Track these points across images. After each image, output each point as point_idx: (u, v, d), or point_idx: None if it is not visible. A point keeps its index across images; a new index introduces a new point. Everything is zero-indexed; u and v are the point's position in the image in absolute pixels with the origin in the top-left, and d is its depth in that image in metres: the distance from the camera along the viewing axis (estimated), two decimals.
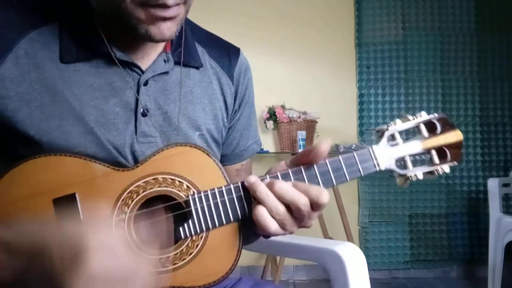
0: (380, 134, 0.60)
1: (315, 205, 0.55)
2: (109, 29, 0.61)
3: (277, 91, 2.84)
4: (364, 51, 2.93)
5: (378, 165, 0.59)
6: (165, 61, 0.66)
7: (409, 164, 0.60)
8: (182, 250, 0.57)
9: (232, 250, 0.58)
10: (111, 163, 0.58)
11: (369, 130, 2.91)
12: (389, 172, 0.60)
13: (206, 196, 0.58)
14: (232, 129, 0.78)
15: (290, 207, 0.55)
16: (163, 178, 0.58)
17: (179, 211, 0.58)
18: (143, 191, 0.57)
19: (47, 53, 0.59)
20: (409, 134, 0.61)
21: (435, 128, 0.60)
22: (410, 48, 2.92)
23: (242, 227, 0.59)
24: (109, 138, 0.61)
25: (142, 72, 0.64)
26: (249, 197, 0.57)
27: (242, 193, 0.58)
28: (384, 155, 0.59)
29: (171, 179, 0.58)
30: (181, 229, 0.57)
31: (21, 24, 0.59)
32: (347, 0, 2.95)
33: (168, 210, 0.58)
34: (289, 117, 2.65)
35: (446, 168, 0.60)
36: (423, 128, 0.60)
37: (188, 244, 0.57)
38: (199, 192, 0.58)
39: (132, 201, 0.57)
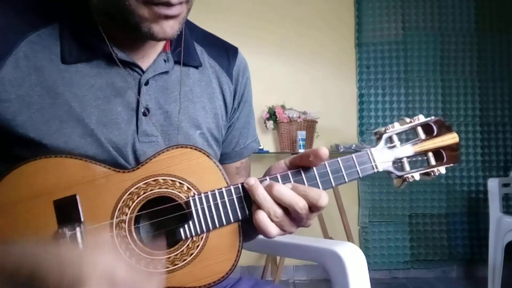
0: (378, 136, 0.61)
1: (314, 208, 0.55)
2: (109, 29, 0.62)
3: (277, 91, 2.84)
4: (364, 51, 2.93)
5: (376, 167, 0.60)
6: (165, 60, 0.67)
7: (406, 165, 0.61)
8: (182, 251, 0.58)
9: (232, 251, 0.59)
10: (111, 165, 0.59)
11: (369, 130, 2.91)
12: (387, 173, 0.61)
13: (207, 197, 0.58)
14: (231, 128, 0.79)
15: (288, 210, 0.55)
16: (163, 179, 0.58)
17: (179, 212, 0.58)
18: (144, 193, 0.57)
19: (47, 55, 0.59)
20: (407, 136, 0.62)
21: (432, 130, 0.61)
22: (410, 48, 2.92)
23: (242, 224, 0.59)
24: (111, 138, 0.61)
25: (143, 72, 0.65)
26: (249, 198, 0.58)
27: (242, 194, 0.58)
28: (382, 157, 0.60)
29: (172, 180, 0.58)
30: (181, 230, 0.57)
31: (21, 27, 0.59)
32: (347, 0, 2.95)
33: (169, 211, 0.58)
34: (289, 117, 2.65)
35: (442, 169, 0.61)
36: (420, 130, 0.61)
37: (188, 245, 0.58)
38: (199, 194, 0.58)
39: (132, 203, 0.57)
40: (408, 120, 0.61)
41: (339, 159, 0.59)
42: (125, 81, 0.63)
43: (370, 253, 2.86)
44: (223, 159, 0.80)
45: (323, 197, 0.55)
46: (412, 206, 2.89)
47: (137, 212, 0.57)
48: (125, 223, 0.56)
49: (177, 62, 0.69)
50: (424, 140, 0.61)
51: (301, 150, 2.56)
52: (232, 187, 0.58)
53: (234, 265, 0.58)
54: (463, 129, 2.91)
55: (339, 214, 2.52)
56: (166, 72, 0.67)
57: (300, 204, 0.54)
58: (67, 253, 0.46)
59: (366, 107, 2.93)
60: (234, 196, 0.58)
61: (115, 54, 0.62)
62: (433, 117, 0.62)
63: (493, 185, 2.34)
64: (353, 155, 0.59)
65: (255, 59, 2.70)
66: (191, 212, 0.58)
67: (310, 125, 2.68)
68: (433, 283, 2.78)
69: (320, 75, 2.92)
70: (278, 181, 0.58)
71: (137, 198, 0.57)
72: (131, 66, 0.64)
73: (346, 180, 0.59)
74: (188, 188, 0.58)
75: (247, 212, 0.58)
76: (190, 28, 0.74)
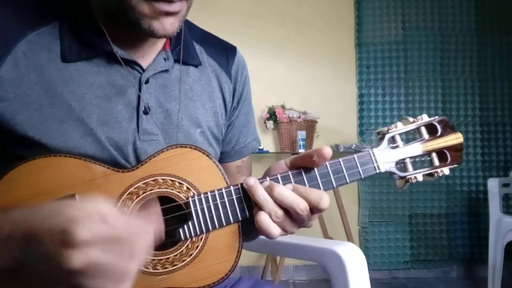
0: (381, 136, 0.60)
1: (315, 209, 0.55)
2: (109, 27, 0.61)
3: (277, 91, 2.84)
4: (364, 51, 2.93)
5: (378, 167, 0.59)
6: (165, 59, 0.67)
7: (409, 166, 0.60)
8: (182, 251, 0.57)
9: (232, 252, 0.58)
10: (111, 164, 0.58)
11: (369, 130, 2.91)
12: (389, 174, 0.60)
13: (206, 198, 0.58)
14: (231, 127, 0.79)
15: (289, 211, 0.55)
16: (163, 179, 0.58)
17: (179, 213, 0.58)
18: (143, 192, 0.57)
19: (47, 54, 0.59)
20: (410, 136, 0.61)
21: (435, 130, 0.60)
22: (410, 48, 2.92)
23: (244, 223, 0.59)
24: (112, 136, 0.61)
25: (143, 70, 0.65)
26: (249, 199, 0.57)
27: (242, 194, 0.58)
28: (385, 157, 0.59)
29: (171, 180, 0.58)
30: (181, 230, 0.57)
31: (20, 26, 0.59)
32: (347, 0, 2.95)
33: (168, 211, 0.58)
34: (289, 117, 2.65)
35: (446, 170, 0.60)
36: (423, 130, 0.60)
37: (188, 245, 0.57)
38: (199, 194, 0.58)
39: (132, 202, 0.57)
40: (411, 119, 0.60)
41: (340, 159, 0.59)
42: (125, 80, 0.63)
43: (370, 253, 2.86)
44: (224, 158, 0.80)
45: (324, 199, 0.54)
46: (412, 206, 2.89)
47: (136, 212, 0.57)
48: None
49: (176, 61, 0.69)
50: (428, 140, 0.60)
51: (301, 150, 2.56)
52: (232, 188, 0.58)
53: (233, 266, 0.58)
54: (463, 129, 2.90)
55: (339, 214, 2.51)
56: (166, 71, 0.67)
57: (301, 206, 0.54)
58: (52, 207, 0.45)
59: (366, 107, 2.92)
60: (234, 197, 0.58)
61: (115, 52, 0.61)
62: (437, 117, 0.61)
63: (493, 185, 2.34)
64: (355, 156, 0.59)
65: (255, 59, 2.72)
66: (190, 213, 0.57)
67: (310, 125, 2.68)
68: (433, 283, 2.78)
69: (320, 75, 2.92)
70: (279, 182, 0.57)
71: (136, 198, 0.57)
72: (132, 64, 0.64)
73: (348, 181, 0.58)
74: (188, 188, 0.58)
75: (247, 213, 0.58)
76: (189, 27, 0.74)
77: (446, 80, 2.93)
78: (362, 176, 0.59)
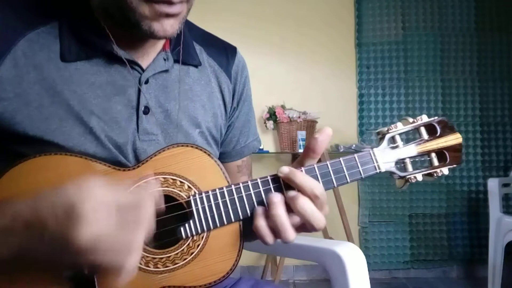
0: (381, 136, 0.60)
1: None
2: (109, 28, 0.62)
3: (277, 91, 2.84)
4: (364, 51, 2.93)
5: (379, 167, 0.59)
6: (164, 59, 0.67)
7: (409, 166, 0.60)
8: (183, 250, 0.57)
9: (233, 250, 0.58)
10: (111, 163, 0.59)
11: (369, 130, 2.91)
12: (389, 174, 0.60)
13: (207, 197, 0.58)
14: (231, 127, 0.79)
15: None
16: (164, 178, 0.58)
17: (180, 212, 0.58)
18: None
19: (46, 53, 0.59)
20: (409, 136, 0.62)
21: (435, 130, 0.60)
22: (410, 48, 2.92)
23: (246, 223, 0.59)
24: (112, 136, 0.61)
25: (143, 70, 0.65)
26: (250, 197, 0.57)
27: (243, 193, 0.58)
28: (385, 157, 0.59)
29: (172, 179, 0.58)
30: (182, 229, 0.57)
31: (19, 25, 0.59)
32: (347, 0, 2.95)
33: (169, 210, 0.58)
34: (289, 117, 2.65)
35: (445, 170, 0.60)
36: (423, 130, 0.61)
37: (189, 244, 0.58)
38: (200, 193, 0.58)
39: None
40: (411, 120, 0.60)
41: (341, 159, 0.59)
42: (125, 79, 0.63)
43: (370, 253, 2.86)
44: (224, 158, 0.80)
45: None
46: (412, 206, 2.89)
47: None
48: None
49: (176, 61, 0.69)
50: (427, 140, 0.60)
51: (301, 150, 2.56)
52: (233, 187, 0.58)
53: (234, 264, 0.58)
54: (463, 129, 2.90)
55: (339, 214, 2.51)
56: (166, 71, 0.67)
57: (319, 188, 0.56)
58: (57, 193, 0.46)
59: (366, 107, 2.93)
60: (235, 196, 0.58)
61: (115, 52, 0.61)
62: (436, 117, 0.61)
63: (493, 185, 2.34)
64: (356, 155, 0.59)
65: (255, 59, 2.71)
66: (191, 211, 0.57)
67: (310, 125, 2.68)
68: (433, 283, 2.78)
69: (320, 75, 2.92)
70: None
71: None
72: (131, 64, 0.64)
73: (348, 180, 0.59)
74: (189, 187, 0.58)
75: (248, 211, 0.58)
76: (189, 27, 0.74)
77: (446, 80, 2.93)
78: (363, 176, 0.59)
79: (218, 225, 0.58)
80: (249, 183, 0.58)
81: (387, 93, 2.92)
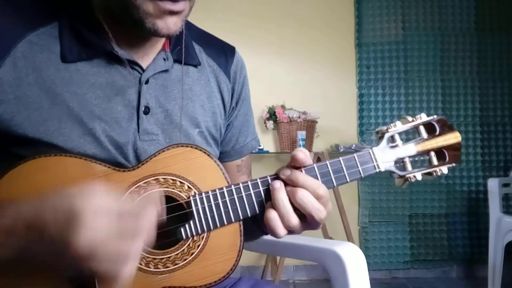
0: (380, 135, 0.60)
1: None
2: (110, 28, 0.62)
3: (277, 91, 2.84)
4: (364, 51, 2.93)
5: (378, 166, 0.59)
6: (164, 59, 0.67)
7: (408, 165, 0.60)
8: (183, 250, 0.58)
9: (233, 251, 0.59)
10: (111, 164, 0.59)
11: (369, 130, 2.91)
12: (389, 173, 0.60)
13: (207, 197, 0.58)
14: (230, 126, 0.79)
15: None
16: (164, 178, 0.58)
17: (180, 212, 0.58)
18: (144, 192, 0.57)
19: (46, 54, 0.59)
20: (409, 135, 0.62)
21: (434, 130, 0.61)
22: (410, 48, 2.92)
23: (245, 223, 0.59)
24: (112, 136, 0.61)
25: (143, 70, 0.65)
26: (250, 197, 0.58)
27: (243, 193, 0.58)
28: (384, 156, 0.60)
29: (172, 179, 0.58)
30: (182, 229, 0.57)
31: (19, 27, 0.59)
32: (347, 0, 2.95)
33: (169, 210, 0.58)
34: (289, 117, 2.65)
35: (444, 169, 0.60)
36: (422, 129, 0.61)
37: (189, 244, 0.58)
38: (200, 193, 0.58)
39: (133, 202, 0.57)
40: (410, 119, 0.60)
41: (341, 158, 0.59)
42: (125, 80, 0.64)
43: (370, 253, 2.86)
44: (223, 157, 0.81)
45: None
46: (412, 206, 2.89)
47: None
48: None
49: (176, 61, 0.69)
50: (426, 139, 0.60)
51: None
52: (233, 187, 0.58)
53: (235, 265, 0.58)
54: (463, 129, 2.91)
55: (339, 214, 2.52)
56: (166, 71, 0.68)
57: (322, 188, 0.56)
58: (59, 196, 0.46)
59: (366, 107, 2.93)
60: (235, 196, 0.58)
61: (116, 52, 0.62)
62: (435, 116, 0.61)
63: (493, 185, 2.34)
64: (355, 155, 0.59)
65: (255, 59, 2.72)
66: (192, 212, 0.57)
67: (310, 125, 2.68)
68: (433, 283, 2.78)
69: (320, 75, 2.92)
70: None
71: (138, 197, 0.57)
72: (132, 64, 0.64)
73: (348, 180, 0.59)
74: (189, 187, 0.58)
75: (248, 211, 0.58)
76: (188, 27, 0.74)
77: (446, 80, 2.93)
78: (362, 175, 0.59)
79: (218, 225, 0.58)
80: (249, 183, 0.58)
81: (387, 93, 2.93)
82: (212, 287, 0.58)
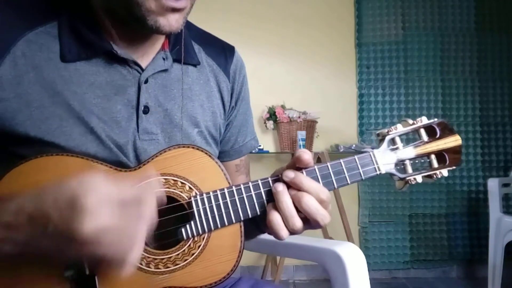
0: (381, 138, 0.60)
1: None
2: (110, 27, 0.62)
3: (277, 91, 2.84)
4: (364, 51, 2.93)
5: (379, 169, 0.59)
6: (163, 59, 0.67)
7: (409, 168, 0.60)
8: (184, 250, 0.58)
9: (233, 251, 0.59)
10: (112, 163, 0.59)
11: (369, 130, 2.91)
12: (389, 175, 0.61)
13: (209, 198, 0.58)
14: (229, 126, 0.79)
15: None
16: (165, 179, 0.58)
17: (181, 212, 0.58)
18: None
19: (46, 53, 0.59)
20: (409, 138, 0.62)
21: (434, 132, 0.61)
22: (410, 48, 2.92)
23: (247, 223, 0.60)
24: (112, 136, 0.61)
25: (142, 70, 0.65)
26: (250, 199, 0.58)
27: (244, 195, 0.58)
28: (385, 159, 0.60)
29: (174, 180, 0.58)
30: (183, 230, 0.57)
31: (18, 25, 0.59)
32: (347, 0, 2.95)
33: (170, 211, 0.58)
34: (289, 117, 2.65)
35: (444, 172, 0.61)
36: (423, 132, 0.61)
37: (190, 245, 0.58)
38: (201, 194, 0.58)
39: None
40: (411, 121, 0.60)
41: (341, 160, 0.59)
42: (125, 79, 0.64)
43: (370, 253, 2.86)
44: (222, 157, 0.81)
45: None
46: (412, 206, 2.89)
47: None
48: None
49: (175, 61, 0.69)
50: (426, 142, 0.61)
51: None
52: (234, 188, 0.58)
53: (235, 265, 0.58)
54: (463, 129, 2.91)
55: (339, 214, 2.52)
56: (165, 70, 0.68)
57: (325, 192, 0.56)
58: (59, 187, 0.46)
59: (366, 107, 2.93)
60: (236, 197, 0.58)
61: (115, 51, 0.62)
62: (436, 119, 0.61)
63: (493, 185, 2.34)
64: (356, 157, 0.59)
65: (255, 59, 2.72)
66: (192, 212, 0.58)
67: (310, 125, 2.68)
68: (433, 283, 2.78)
69: (320, 75, 2.92)
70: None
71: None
72: (131, 64, 0.64)
73: (349, 182, 0.59)
74: (190, 188, 0.59)
75: (249, 212, 0.58)
76: (187, 27, 0.74)
77: (446, 80, 2.93)
78: (363, 177, 0.59)
79: (219, 226, 0.58)
80: (250, 184, 0.58)
81: (387, 93, 2.93)
82: None
